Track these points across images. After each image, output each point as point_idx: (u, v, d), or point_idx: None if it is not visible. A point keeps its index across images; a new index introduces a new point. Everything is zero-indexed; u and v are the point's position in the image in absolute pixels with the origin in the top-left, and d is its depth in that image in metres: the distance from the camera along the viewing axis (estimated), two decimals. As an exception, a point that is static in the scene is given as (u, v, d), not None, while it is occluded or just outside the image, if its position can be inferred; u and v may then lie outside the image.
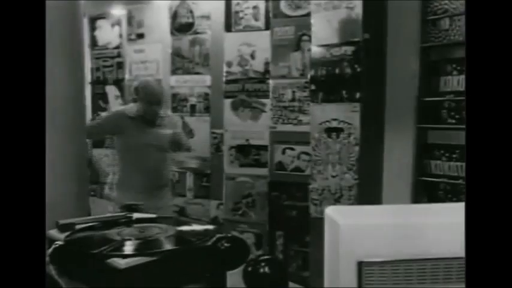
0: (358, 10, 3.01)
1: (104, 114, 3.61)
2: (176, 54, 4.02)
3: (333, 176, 3.11)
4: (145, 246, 1.25)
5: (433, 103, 2.81)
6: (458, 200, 2.59)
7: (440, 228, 1.01)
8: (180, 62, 4.01)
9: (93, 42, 4.48)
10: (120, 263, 1.12)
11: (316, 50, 3.22)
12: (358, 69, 3.03)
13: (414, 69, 2.83)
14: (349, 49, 3.08)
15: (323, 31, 3.19)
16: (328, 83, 3.17)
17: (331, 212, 1.08)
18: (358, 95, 3.03)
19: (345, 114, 3.06)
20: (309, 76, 3.29)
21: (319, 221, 1.07)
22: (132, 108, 3.21)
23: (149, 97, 3.10)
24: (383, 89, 2.99)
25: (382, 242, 0.99)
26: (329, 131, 3.14)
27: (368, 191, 2.99)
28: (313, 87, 3.25)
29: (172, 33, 4.02)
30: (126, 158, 3.23)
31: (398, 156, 2.90)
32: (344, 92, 3.10)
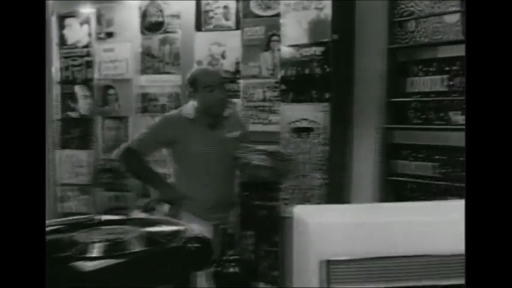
0: (327, 11, 3.04)
1: (153, 121, 2.87)
2: (146, 53, 3.98)
3: (303, 176, 3.14)
4: (114, 248, 1.24)
5: (400, 104, 2.86)
6: (425, 199, 2.64)
7: (408, 227, 1.02)
8: (150, 62, 3.97)
9: (62, 41, 4.40)
10: (88, 265, 1.11)
11: (286, 50, 3.25)
12: (328, 70, 3.07)
13: (382, 70, 2.88)
14: (318, 49, 3.11)
15: (293, 31, 3.21)
16: (298, 83, 3.19)
17: (300, 211, 1.09)
18: (327, 95, 3.06)
19: (315, 114, 3.09)
20: (279, 76, 3.31)
21: (290, 220, 1.08)
22: (189, 108, 2.66)
23: (209, 81, 2.58)
24: (351, 89, 3.03)
25: (350, 240, 1.00)
26: (299, 130, 3.17)
27: (337, 190, 3.03)
28: (283, 87, 3.27)
29: (142, 32, 3.98)
30: (186, 171, 2.63)
31: (366, 156, 2.94)
32: (314, 92, 3.13)
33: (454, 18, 2.63)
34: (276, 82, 3.34)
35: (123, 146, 2.66)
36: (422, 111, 2.79)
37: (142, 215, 1.89)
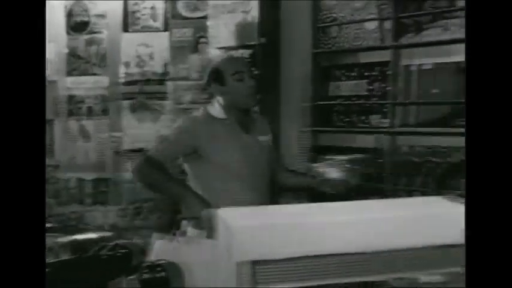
0: (253, 14, 3.09)
1: (174, 126, 2.29)
2: (72, 54, 3.87)
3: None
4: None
5: (325, 107, 2.93)
6: (347, 199, 2.71)
7: (332, 226, 1.06)
8: (76, 63, 3.86)
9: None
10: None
11: (214, 53, 3.26)
12: (255, 72, 3.11)
13: (307, 74, 2.94)
14: (246, 52, 3.14)
15: (220, 34, 3.24)
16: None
17: (224, 213, 1.11)
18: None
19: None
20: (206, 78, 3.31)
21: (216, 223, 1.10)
22: (215, 106, 2.20)
23: (238, 67, 2.17)
24: (279, 92, 3.09)
25: (274, 241, 1.02)
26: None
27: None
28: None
29: (67, 33, 3.86)
30: (214, 185, 2.12)
31: (292, 158, 2.99)
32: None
33: (373, 25, 2.75)
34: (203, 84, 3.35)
35: (140, 157, 2.19)
36: (345, 114, 2.87)
37: None
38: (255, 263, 1.01)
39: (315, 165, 2.19)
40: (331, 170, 2.15)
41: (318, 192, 2.25)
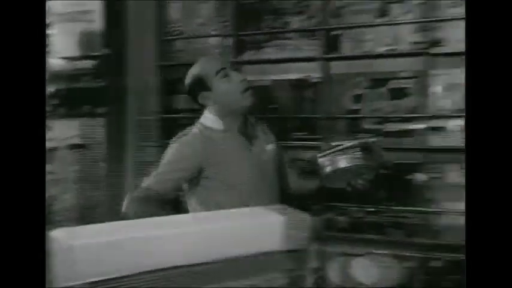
0: (97, 24, 3.03)
1: (168, 150, 1.97)
2: None
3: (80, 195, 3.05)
4: None
5: (169, 119, 2.92)
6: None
7: (169, 240, 1.09)
8: None
9: None
10: None
11: (56, 63, 3.13)
12: (101, 84, 3.05)
13: (153, 86, 2.95)
14: (90, 63, 3.07)
15: (63, 43, 3.12)
16: (70, 98, 3.11)
17: (59, 234, 1.07)
18: (101, 110, 3.04)
19: (89, 129, 3.04)
20: (49, 90, 3.17)
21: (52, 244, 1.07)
22: (210, 119, 1.97)
23: (218, 65, 1.95)
24: (125, 104, 3.05)
25: (114, 258, 1.02)
26: (73, 147, 3.08)
27: (113, 208, 3.00)
28: (54, 101, 3.14)
29: None
30: (220, 205, 1.84)
31: (142, 172, 2.97)
32: (87, 107, 3.08)
33: (216, 40, 2.86)
34: (47, 96, 3.20)
35: (139, 189, 1.90)
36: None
37: None
38: (92, 283, 1.01)
39: (317, 157, 1.89)
40: (338, 160, 1.85)
41: (330, 190, 2.03)
